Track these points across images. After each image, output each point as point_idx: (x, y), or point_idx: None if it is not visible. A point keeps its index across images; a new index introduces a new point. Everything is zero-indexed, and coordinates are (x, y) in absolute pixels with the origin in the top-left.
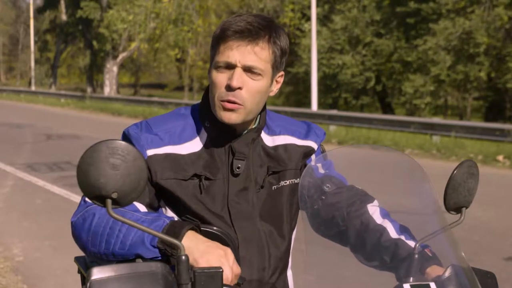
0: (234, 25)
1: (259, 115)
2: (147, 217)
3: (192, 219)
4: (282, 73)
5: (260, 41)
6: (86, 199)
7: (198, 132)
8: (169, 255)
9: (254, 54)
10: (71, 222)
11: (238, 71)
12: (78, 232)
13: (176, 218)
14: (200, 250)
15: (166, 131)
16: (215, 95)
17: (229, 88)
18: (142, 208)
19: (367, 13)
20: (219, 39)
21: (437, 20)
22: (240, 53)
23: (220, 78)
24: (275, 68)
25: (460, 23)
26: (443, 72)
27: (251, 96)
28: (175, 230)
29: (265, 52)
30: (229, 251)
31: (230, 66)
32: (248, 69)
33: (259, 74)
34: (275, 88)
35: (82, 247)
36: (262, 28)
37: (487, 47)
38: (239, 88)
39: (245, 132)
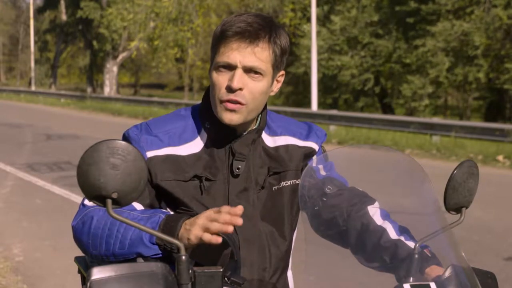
0: (234, 26)
1: (259, 116)
2: (144, 215)
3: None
4: (282, 72)
5: (260, 42)
6: (85, 202)
7: (198, 133)
8: (169, 251)
9: (255, 55)
10: (72, 226)
11: (239, 72)
12: (79, 236)
13: (172, 212)
14: (188, 232)
15: (166, 132)
16: (215, 96)
17: (230, 89)
18: (139, 207)
19: (366, 14)
20: (219, 39)
21: (437, 21)
22: (240, 54)
23: (221, 79)
24: (276, 67)
25: (458, 25)
26: (442, 74)
27: (252, 96)
28: (171, 226)
29: (265, 53)
30: (208, 212)
31: (231, 67)
32: (248, 70)
33: (260, 74)
34: (276, 88)
35: (84, 250)
36: (262, 28)
37: (486, 48)
38: (240, 89)
39: (245, 133)
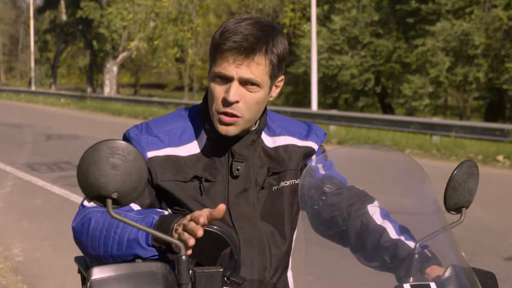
0: (230, 40)
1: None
2: (139, 216)
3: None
4: (282, 77)
5: (256, 56)
6: (85, 203)
7: (198, 134)
8: (164, 251)
9: (250, 69)
10: (72, 228)
11: (235, 84)
12: (78, 237)
13: (166, 212)
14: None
15: (166, 133)
16: (213, 106)
17: (226, 102)
18: (136, 207)
19: (366, 13)
20: (216, 50)
21: (437, 21)
22: (236, 67)
23: (218, 90)
24: (273, 76)
25: (458, 25)
26: (442, 73)
27: (248, 108)
28: (164, 228)
29: (262, 66)
30: (185, 219)
31: (227, 79)
32: (245, 82)
33: (257, 86)
34: (275, 93)
35: (84, 251)
36: (258, 41)
37: (486, 48)
38: (236, 101)
39: (245, 134)
